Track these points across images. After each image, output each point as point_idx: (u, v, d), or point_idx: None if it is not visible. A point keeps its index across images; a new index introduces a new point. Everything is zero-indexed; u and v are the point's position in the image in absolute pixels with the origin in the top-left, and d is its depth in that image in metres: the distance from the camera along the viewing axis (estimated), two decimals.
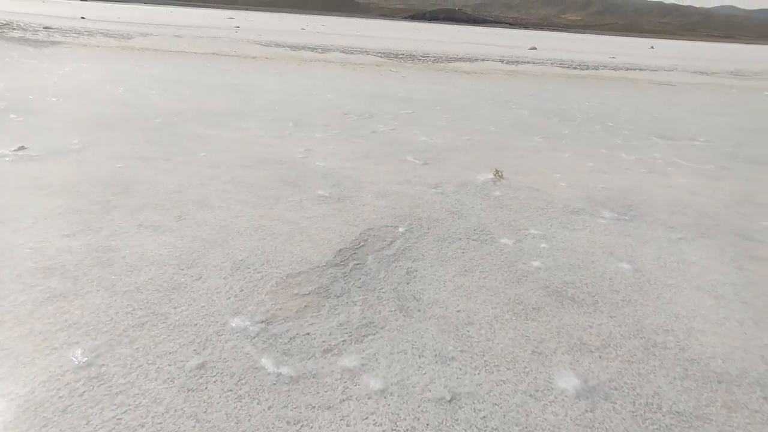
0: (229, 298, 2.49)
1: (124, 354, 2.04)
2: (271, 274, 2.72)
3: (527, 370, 2.11)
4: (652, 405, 1.96)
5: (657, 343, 2.34)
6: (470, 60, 20.54)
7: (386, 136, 6.10)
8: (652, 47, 55.15)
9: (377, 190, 4.17)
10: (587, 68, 21.22)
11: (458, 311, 2.52)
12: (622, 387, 2.05)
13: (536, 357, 2.20)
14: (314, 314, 2.41)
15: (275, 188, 4.03)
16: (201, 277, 2.65)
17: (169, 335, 2.18)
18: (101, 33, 21.09)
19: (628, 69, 20.93)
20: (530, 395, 1.97)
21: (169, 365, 2.00)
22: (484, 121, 7.60)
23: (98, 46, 15.57)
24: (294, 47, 20.59)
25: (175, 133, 5.55)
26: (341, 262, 2.93)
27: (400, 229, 3.44)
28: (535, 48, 32.34)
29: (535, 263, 3.07)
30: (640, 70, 20.85)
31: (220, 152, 4.93)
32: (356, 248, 3.12)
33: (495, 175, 4.74)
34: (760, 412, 1.96)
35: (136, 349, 2.08)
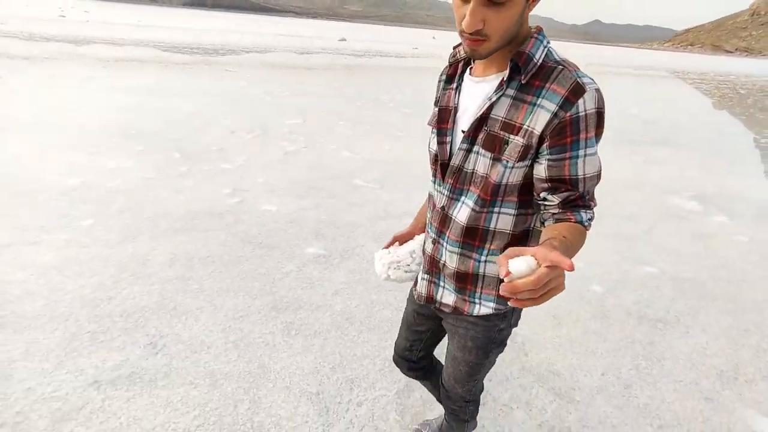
0: None
1: None
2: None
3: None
4: None
5: None
6: (295, 52, 19.69)
7: (308, 157, 5.23)
8: (434, 37, 62.79)
9: (374, 232, 3.47)
10: (419, 57, 22.69)
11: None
12: None
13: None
14: None
15: (250, 258, 2.96)
16: None
17: None
18: None
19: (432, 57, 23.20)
20: None
21: None
22: (389, 124, 7.27)
23: None
24: (75, 42, 16.33)
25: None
26: None
27: None
28: (344, 39, 33.11)
29: None
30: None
31: (104, 218, 3.41)
32: None
33: None
34: None
35: None
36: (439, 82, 1.09)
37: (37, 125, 5.46)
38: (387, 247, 1.31)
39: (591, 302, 2.80)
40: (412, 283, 1.29)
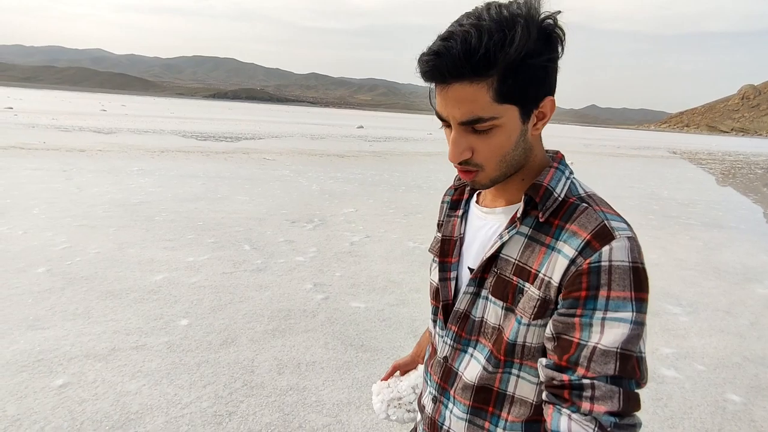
0: None
1: None
2: None
3: None
4: None
5: None
6: (317, 138, 20.78)
7: (376, 247, 5.24)
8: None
9: None
10: (436, 141, 23.78)
11: None
12: None
13: None
14: None
15: (358, 364, 2.82)
16: None
17: None
18: None
19: None
20: None
21: None
22: (438, 213, 7.37)
23: None
24: (111, 132, 17.48)
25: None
26: None
27: None
28: (362, 126, 35.08)
29: None
30: None
31: (198, 317, 3.35)
32: None
33: None
34: None
35: None
36: (443, 203, 0.93)
37: (109, 221, 5.62)
38: (386, 378, 1.13)
39: (738, 416, 2.56)
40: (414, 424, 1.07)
